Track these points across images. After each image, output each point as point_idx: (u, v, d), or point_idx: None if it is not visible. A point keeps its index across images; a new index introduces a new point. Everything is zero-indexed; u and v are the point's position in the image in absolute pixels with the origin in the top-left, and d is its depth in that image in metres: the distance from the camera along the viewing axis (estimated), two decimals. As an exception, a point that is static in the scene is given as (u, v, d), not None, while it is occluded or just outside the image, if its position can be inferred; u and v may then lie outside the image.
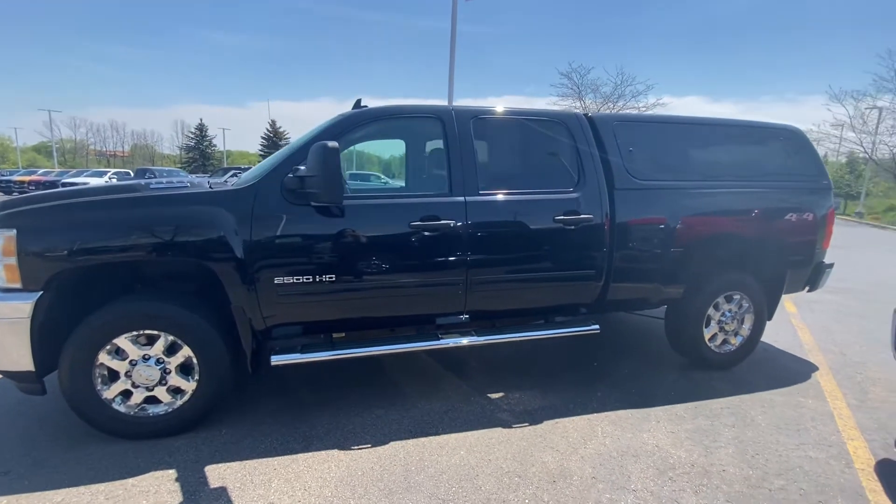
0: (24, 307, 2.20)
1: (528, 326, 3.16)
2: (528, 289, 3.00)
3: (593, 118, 3.21)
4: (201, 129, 49.50)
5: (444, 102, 15.02)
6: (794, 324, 4.74)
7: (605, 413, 2.88)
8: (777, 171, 3.57)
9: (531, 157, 3.05)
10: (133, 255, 2.34)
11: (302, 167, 2.48)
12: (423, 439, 2.55)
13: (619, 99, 24.55)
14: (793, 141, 3.69)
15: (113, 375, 2.41)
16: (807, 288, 3.79)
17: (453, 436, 2.59)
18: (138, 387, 2.43)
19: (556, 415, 2.84)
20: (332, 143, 2.25)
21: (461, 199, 2.78)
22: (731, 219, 3.37)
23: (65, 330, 2.35)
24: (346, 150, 2.78)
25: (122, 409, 2.43)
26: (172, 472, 2.22)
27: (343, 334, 2.95)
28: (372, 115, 2.80)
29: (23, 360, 2.27)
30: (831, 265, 3.80)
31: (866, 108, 22.99)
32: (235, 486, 2.14)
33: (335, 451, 2.42)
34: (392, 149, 4.74)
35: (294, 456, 2.37)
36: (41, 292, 2.23)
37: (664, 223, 3.18)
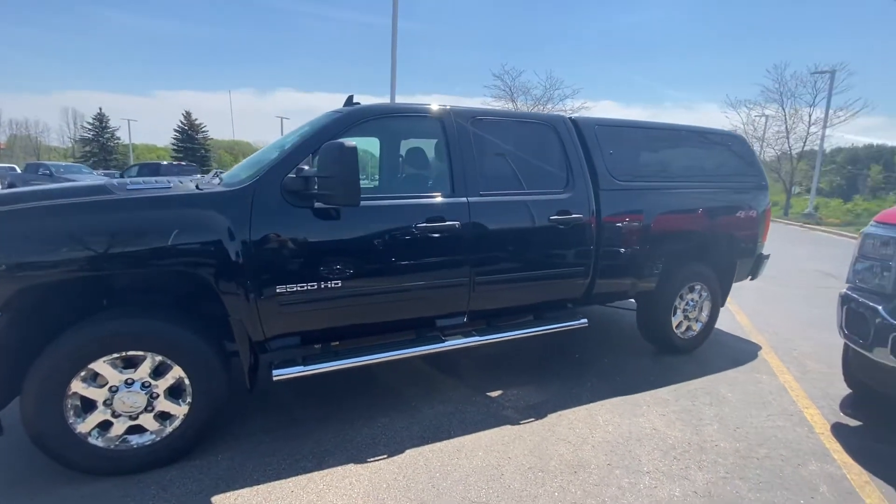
0: (-24, 334, 1.84)
1: (524, 324, 3.23)
2: (525, 287, 3.07)
3: (577, 122, 3.35)
4: (101, 119, 44.06)
5: (383, 99, 14.76)
6: (730, 308, 5.32)
7: (600, 402, 3.04)
8: (727, 173, 3.98)
9: (524, 158, 3.11)
10: (115, 266, 2.05)
11: (305, 167, 2.33)
12: (438, 444, 2.51)
13: (548, 102, 25.71)
14: (737, 145, 4.13)
15: (88, 405, 2.10)
16: (750, 277, 4.27)
17: (467, 437, 2.59)
18: (119, 416, 2.13)
19: (556, 408, 2.94)
20: (350, 143, 2.13)
21: (464, 199, 2.77)
22: (695, 216, 3.70)
23: (23, 356, 2.00)
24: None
25: (99, 443, 2.12)
26: (172, 509, 1.98)
27: (337, 342, 2.81)
28: (372, 113, 2.69)
29: (-27, 397, 1.90)
30: (768, 256, 4.32)
31: (756, 116, 26.29)
32: (254, 514, 1.96)
33: (352, 466, 2.31)
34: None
35: (309, 475, 2.23)
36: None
37: (641, 221, 3.42)
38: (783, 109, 24.58)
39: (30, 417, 1.98)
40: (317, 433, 2.58)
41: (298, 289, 2.37)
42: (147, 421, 2.19)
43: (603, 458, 2.43)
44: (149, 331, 2.11)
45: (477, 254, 2.80)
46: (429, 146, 3.09)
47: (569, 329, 3.26)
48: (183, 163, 15.01)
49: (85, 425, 2.08)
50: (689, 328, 3.90)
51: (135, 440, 2.19)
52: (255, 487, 2.13)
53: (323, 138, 2.46)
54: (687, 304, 3.85)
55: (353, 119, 2.61)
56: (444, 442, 2.54)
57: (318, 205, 2.37)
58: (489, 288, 2.90)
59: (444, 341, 2.84)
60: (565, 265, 3.16)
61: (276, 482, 2.17)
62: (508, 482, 2.22)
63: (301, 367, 2.45)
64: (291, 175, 2.34)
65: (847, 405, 3.07)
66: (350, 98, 2.91)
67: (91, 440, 2.10)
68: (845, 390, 3.22)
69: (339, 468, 2.29)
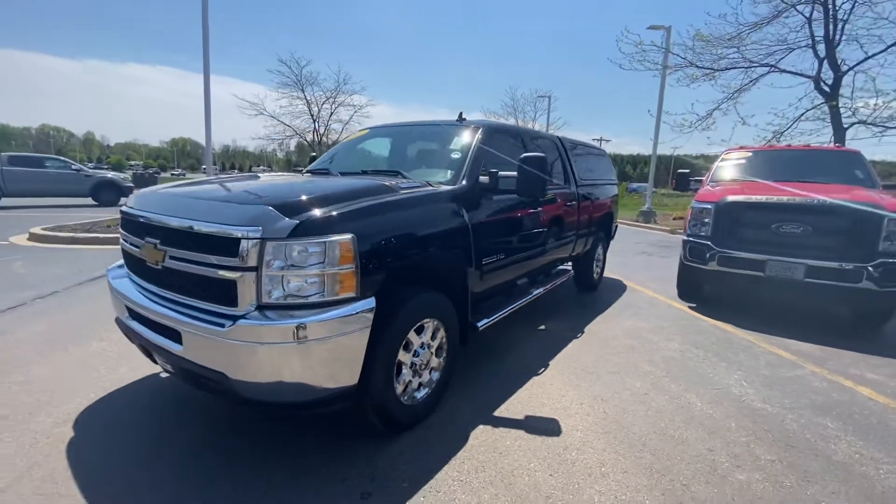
0: (370, 316, 2.12)
1: (550, 277, 4.69)
2: (558, 250, 4.54)
3: (562, 140, 4.98)
4: None
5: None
6: (583, 263, 8.01)
7: (598, 318, 4.81)
8: (605, 173, 6.35)
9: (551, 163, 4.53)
10: (436, 250, 2.56)
11: (494, 170, 3.16)
12: (560, 355, 3.76)
13: (339, 95, 26.42)
14: (605, 156, 6.58)
15: (398, 370, 2.49)
16: (612, 238, 6.85)
17: (567, 348, 3.91)
18: (415, 375, 2.59)
19: (582, 326, 4.54)
20: (541, 154, 3.11)
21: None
22: (603, 200, 5.88)
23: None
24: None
25: (404, 401, 2.54)
26: (486, 428, 2.66)
27: None
28: (496, 129, 3.63)
29: (352, 375, 2.14)
30: (618, 225, 7.00)
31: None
32: (542, 404, 2.84)
33: (533, 377, 3.33)
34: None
35: (515, 394, 3.09)
36: (374, 298, 2.17)
37: (591, 204, 5.33)
38: (517, 122, 32.53)
39: (380, 390, 2.30)
40: (483, 372, 3.42)
41: (493, 259, 3.21)
42: (425, 377, 2.69)
43: (634, 340, 4.19)
44: (439, 303, 2.65)
45: (548, 229, 4.10)
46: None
47: (570, 277, 4.93)
48: None
49: (400, 387, 2.48)
50: (598, 272, 6.13)
51: (418, 395, 2.66)
52: (502, 406, 2.93)
53: (484, 147, 3.33)
54: (596, 257, 6.04)
55: (491, 131, 3.52)
56: (560, 353, 3.80)
57: (496, 197, 3.24)
58: (551, 253, 4.25)
59: (532, 293, 4.04)
60: (570, 233, 4.77)
61: (522, 391, 3.06)
62: (615, 361, 3.70)
63: (486, 319, 3.26)
64: (484, 176, 3.14)
65: (683, 298, 5.77)
66: (461, 115, 3.70)
67: (402, 400, 2.51)
68: (676, 292, 5.96)
69: (528, 382, 3.27)
